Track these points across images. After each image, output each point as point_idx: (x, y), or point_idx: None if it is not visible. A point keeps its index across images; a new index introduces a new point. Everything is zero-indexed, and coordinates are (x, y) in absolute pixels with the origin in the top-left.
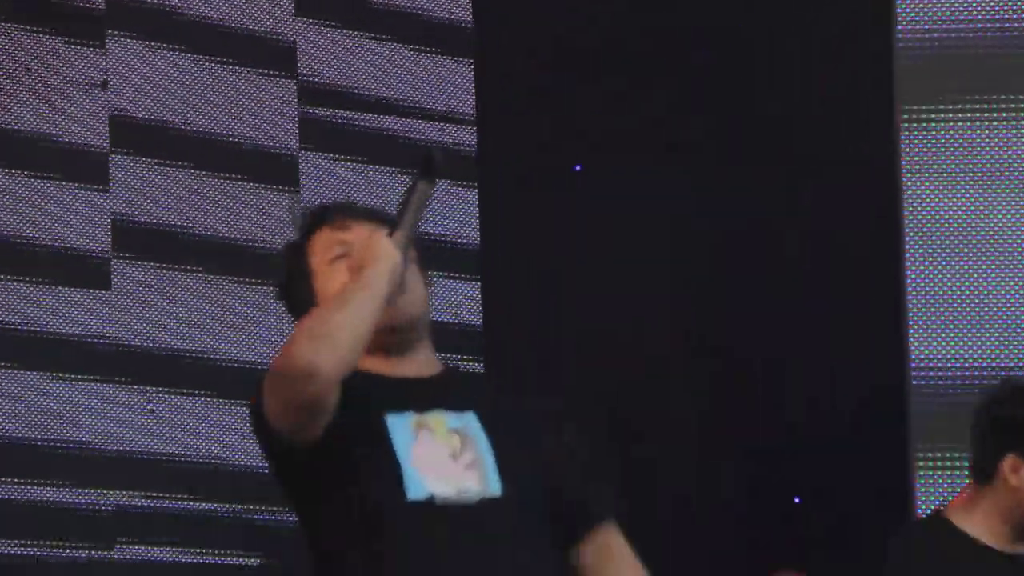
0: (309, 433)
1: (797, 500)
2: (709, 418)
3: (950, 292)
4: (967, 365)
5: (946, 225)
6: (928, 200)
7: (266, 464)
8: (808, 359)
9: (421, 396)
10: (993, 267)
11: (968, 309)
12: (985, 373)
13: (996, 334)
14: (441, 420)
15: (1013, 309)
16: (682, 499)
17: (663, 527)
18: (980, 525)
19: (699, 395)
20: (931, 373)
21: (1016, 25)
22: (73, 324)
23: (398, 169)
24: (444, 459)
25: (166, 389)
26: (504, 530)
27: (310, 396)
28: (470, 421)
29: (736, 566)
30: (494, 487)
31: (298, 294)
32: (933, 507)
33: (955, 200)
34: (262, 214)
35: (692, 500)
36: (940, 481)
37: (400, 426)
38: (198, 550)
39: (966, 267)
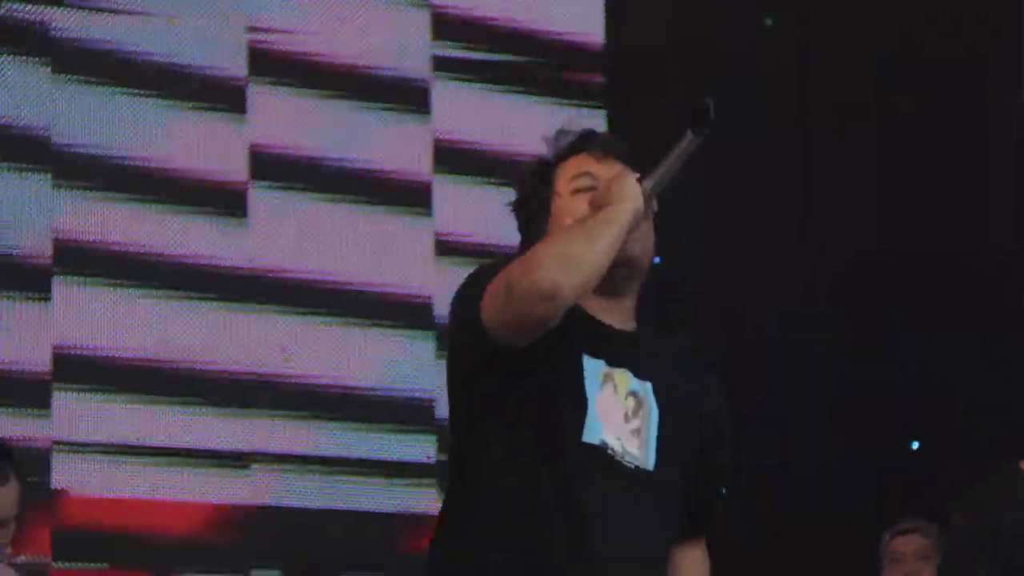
0: (521, 342)
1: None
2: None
3: None
4: None
5: None
6: None
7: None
8: None
9: (615, 349)
10: None
11: None
12: None
13: None
14: (625, 379)
15: None
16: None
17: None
18: None
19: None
20: None
21: None
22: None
23: (527, 96)
24: (618, 416)
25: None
26: (646, 503)
27: (542, 314)
28: (648, 390)
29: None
30: (650, 461)
31: (534, 211)
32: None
33: None
34: (397, 142)
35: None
36: None
37: (592, 370)
38: (335, 473)
39: None
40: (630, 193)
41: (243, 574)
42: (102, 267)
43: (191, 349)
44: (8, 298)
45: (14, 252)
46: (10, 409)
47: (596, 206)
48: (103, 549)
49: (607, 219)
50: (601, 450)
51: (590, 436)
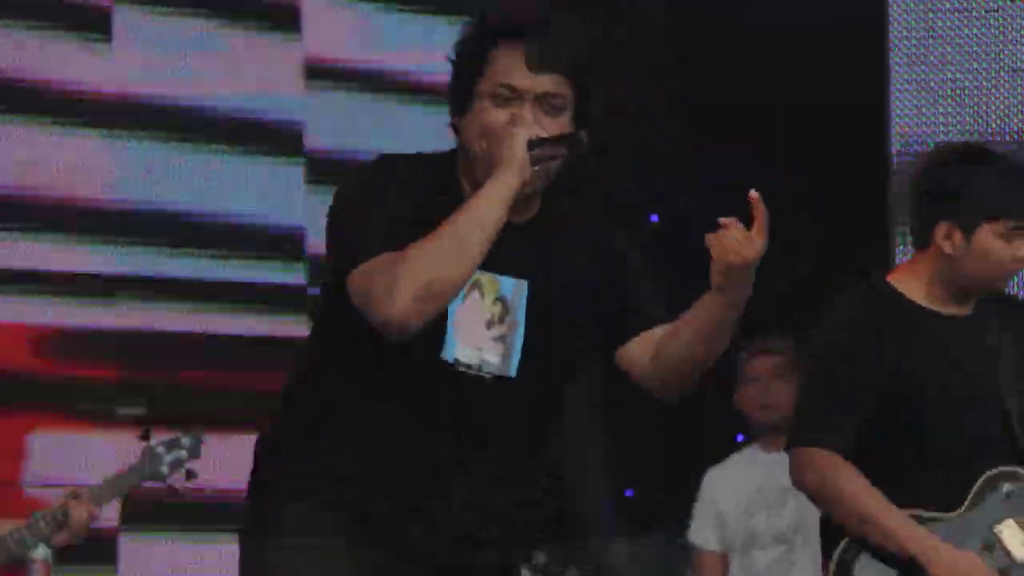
0: None
1: None
2: None
3: None
4: None
5: None
6: None
7: None
8: None
9: (494, 248)
10: None
11: None
12: None
13: None
14: (494, 284)
15: None
16: None
17: None
18: (918, 288)
19: None
20: None
21: None
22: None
23: None
24: (480, 325)
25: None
26: (503, 411)
27: (395, 337)
28: (521, 292)
29: None
30: (512, 367)
31: (461, 88)
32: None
33: None
34: None
35: None
36: None
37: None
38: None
39: None
40: (515, 159)
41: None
42: None
43: (55, 177)
44: None
45: None
46: None
47: (482, 164)
48: None
49: (481, 207)
50: (452, 366)
51: (446, 352)
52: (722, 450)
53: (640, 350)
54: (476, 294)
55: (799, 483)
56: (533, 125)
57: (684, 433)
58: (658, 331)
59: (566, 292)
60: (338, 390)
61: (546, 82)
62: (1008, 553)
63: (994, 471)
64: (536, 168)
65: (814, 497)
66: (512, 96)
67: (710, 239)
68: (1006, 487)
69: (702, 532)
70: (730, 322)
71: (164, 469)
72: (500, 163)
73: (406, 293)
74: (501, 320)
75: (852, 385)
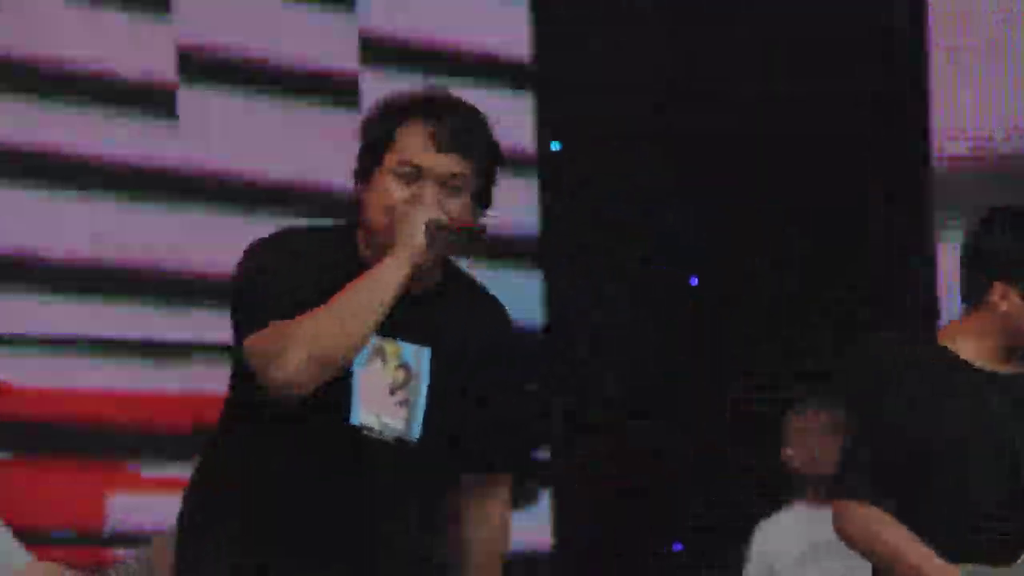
0: None
1: None
2: None
3: None
4: None
5: None
6: None
7: None
8: None
9: (394, 318)
10: None
11: None
12: None
13: None
14: (396, 350)
15: None
16: None
17: None
18: (971, 346)
19: None
20: None
21: None
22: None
23: None
24: (383, 390)
25: None
26: (408, 474)
27: (285, 397)
28: (423, 358)
29: None
30: (414, 431)
31: (366, 163)
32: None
33: None
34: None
35: None
36: None
37: (367, 349)
38: None
39: None
40: (413, 241)
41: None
42: (36, 169)
43: (127, 248)
44: None
45: None
46: None
47: (381, 239)
48: (50, 440)
49: (376, 282)
50: (355, 430)
51: (352, 417)
52: (766, 507)
53: (472, 494)
54: (379, 361)
55: (841, 532)
56: (433, 206)
57: (730, 490)
58: (496, 485)
59: (467, 359)
60: (242, 457)
61: (450, 162)
62: None
63: None
64: (432, 252)
65: (857, 548)
66: (415, 174)
67: None
68: None
69: None
70: None
71: None
72: (399, 243)
73: (295, 357)
74: (404, 385)
75: (896, 435)
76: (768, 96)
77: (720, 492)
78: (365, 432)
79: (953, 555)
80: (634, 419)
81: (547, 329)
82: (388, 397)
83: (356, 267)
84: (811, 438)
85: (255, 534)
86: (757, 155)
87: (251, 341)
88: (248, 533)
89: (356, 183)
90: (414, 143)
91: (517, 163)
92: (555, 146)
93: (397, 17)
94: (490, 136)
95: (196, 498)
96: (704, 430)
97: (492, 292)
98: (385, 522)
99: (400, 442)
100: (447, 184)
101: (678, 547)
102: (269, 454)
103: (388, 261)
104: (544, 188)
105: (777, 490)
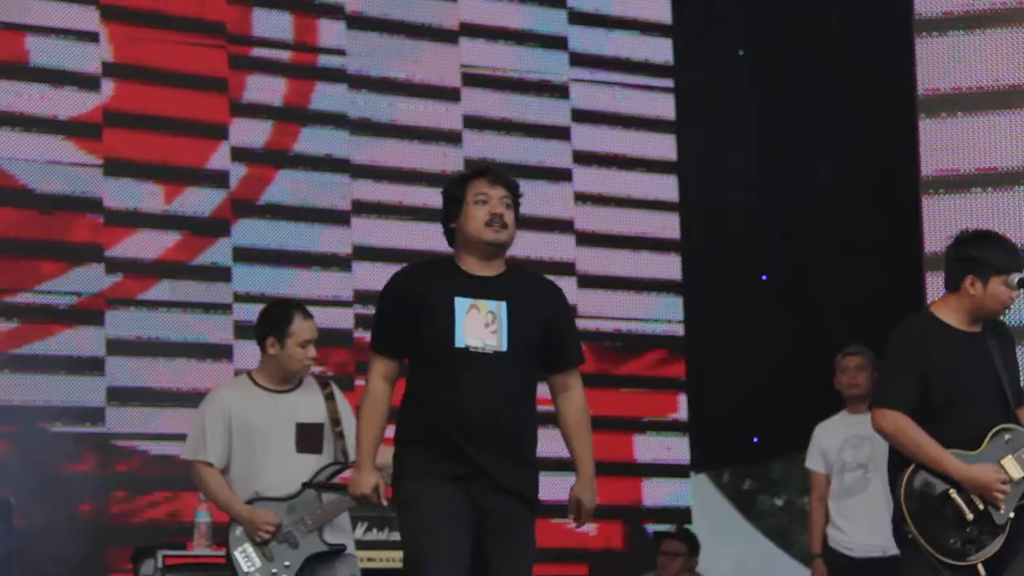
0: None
1: None
2: None
3: None
4: None
5: None
6: None
7: None
8: None
9: (480, 289)
10: None
11: None
12: None
13: None
14: (485, 304)
15: None
16: None
17: None
18: (950, 315)
19: None
20: None
21: None
22: None
23: None
24: (481, 326)
25: None
26: (504, 370)
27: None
28: (502, 307)
29: None
30: (504, 345)
31: (453, 205)
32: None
33: None
34: None
35: None
36: None
37: (461, 305)
38: None
39: None
40: (362, 485)
41: None
42: None
43: None
44: None
45: None
46: None
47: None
48: None
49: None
50: (464, 348)
51: (459, 342)
52: (824, 414)
53: (558, 387)
54: (475, 311)
55: (879, 429)
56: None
57: (801, 401)
58: (571, 377)
59: (527, 309)
60: (417, 385)
61: (503, 189)
62: (1009, 476)
63: (999, 426)
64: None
65: (889, 439)
66: (485, 199)
67: None
68: (1006, 435)
69: (814, 461)
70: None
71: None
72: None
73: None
74: (493, 322)
75: (912, 371)
76: None
77: (794, 405)
78: (476, 350)
79: (946, 444)
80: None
81: None
82: (485, 329)
83: (449, 268)
84: (851, 372)
85: (436, 423)
86: None
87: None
88: (431, 425)
89: (445, 217)
90: (479, 184)
91: None
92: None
93: None
94: (514, 181)
95: (400, 418)
96: (790, 365)
97: (535, 271)
98: (498, 399)
99: (497, 353)
100: (503, 201)
101: (756, 439)
102: (430, 378)
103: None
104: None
105: (830, 403)
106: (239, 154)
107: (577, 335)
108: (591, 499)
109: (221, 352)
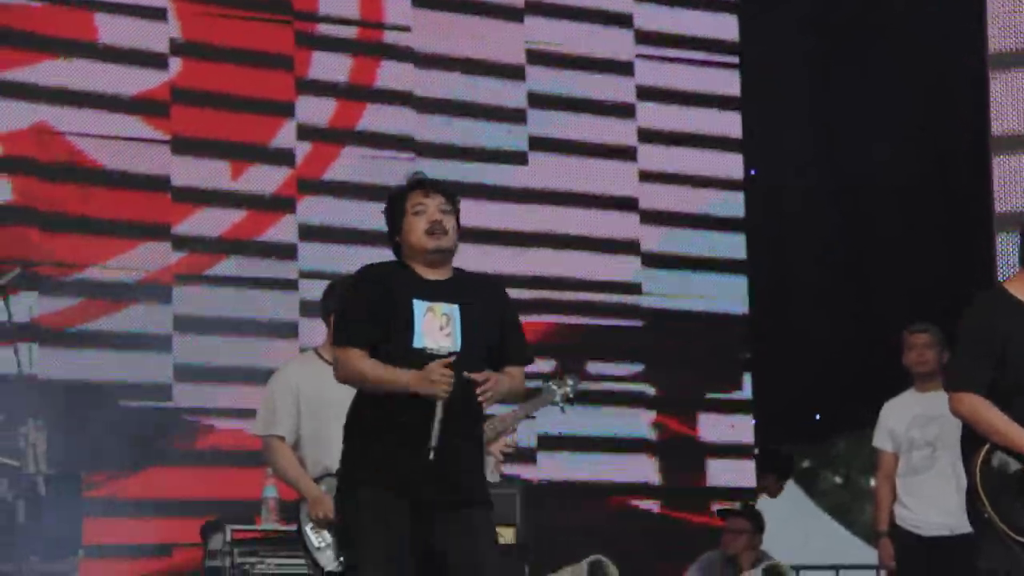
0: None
1: None
2: None
3: None
4: None
5: None
6: None
7: None
8: None
9: (435, 292)
10: None
11: None
12: None
13: None
14: (440, 307)
15: None
16: None
17: None
18: (1023, 291)
19: None
20: None
21: None
22: None
23: None
24: (436, 328)
25: None
26: (457, 371)
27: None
28: (455, 310)
29: None
30: (457, 346)
31: (395, 217)
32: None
33: None
34: None
35: None
36: None
37: (419, 307)
38: None
39: None
40: (428, 388)
41: None
42: None
43: None
44: None
45: None
46: None
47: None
48: None
49: (391, 383)
50: (421, 350)
51: (417, 343)
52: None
53: None
54: (431, 313)
55: (956, 413)
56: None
57: (861, 380)
58: (517, 373)
59: (479, 311)
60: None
61: (440, 198)
62: None
63: None
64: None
65: (967, 422)
66: (423, 209)
67: None
68: None
69: (882, 440)
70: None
71: (557, 399)
72: (424, 385)
73: (348, 377)
74: (447, 325)
75: (985, 351)
76: None
77: (855, 383)
78: (431, 351)
79: (1020, 422)
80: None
81: None
82: (440, 331)
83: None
84: (919, 349)
85: (382, 423)
86: None
87: (338, 351)
88: (379, 423)
89: (390, 230)
90: (418, 195)
91: None
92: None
93: None
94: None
95: (352, 416)
96: (850, 344)
97: (479, 272)
98: (454, 400)
99: (451, 353)
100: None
101: (817, 417)
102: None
103: (410, 381)
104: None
105: (898, 381)
106: (304, 132)
107: (522, 334)
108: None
109: (287, 329)
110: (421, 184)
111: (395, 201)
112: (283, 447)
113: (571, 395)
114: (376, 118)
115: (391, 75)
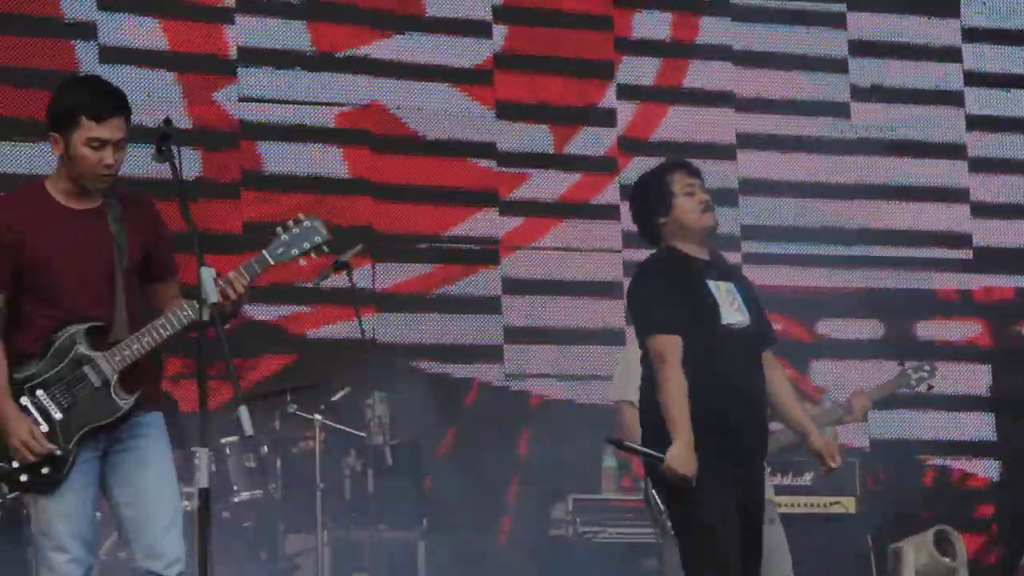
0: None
1: None
2: None
3: None
4: None
5: None
6: None
7: None
8: None
9: (716, 271)
10: None
11: None
12: None
13: None
14: (724, 284)
15: None
16: None
17: None
18: None
19: None
20: None
21: None
22: None
23: None
24: (729, 305)
25: None
26: (755, 342)
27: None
28: (733, 287)
29: None
30: (748, 320)
31: (656, 199)
32: None
33: None
34: None
35: None
36: None
37: (714, 286)
38: None
39: None
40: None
41: None
42: None
43: None
44: None
45: None
46: None
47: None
48: None
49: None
50: (729, 324)
51: (724, 319)
52: None
53: (769, 364)
54: (724, 291)
55: None
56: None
57: None
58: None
59: (745, 288)
60: (693, 358)
61: (696, 179)
62: None
63: None
64: None
65: None
66: (693, 190)
67: None
68: None
69: None
70: None
71: (913, 382)
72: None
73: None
74: (735, 300)
75: None
76: None
77: None
78: (734, 325)
79: None
80: None
81: None
82: (732, 307)
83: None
84: None
85: (710, 391)
86: None
87: (652, 350)
88: (708, 391)
89: (644, 213)
90: (684, 175)
91: None
92: None
93: None
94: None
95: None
96: None
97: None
98: (755, 371)
99: (746, 327)
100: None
101: None
102: (705, 351)
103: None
104: None
105: None
106: (626, 91)
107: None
108: None
109: (616, 289)
110: (684, 164)
111: (656, 182)
112: (635, 413)
113: (928, 379)
114: (698, 75)
115: (710, 31)
